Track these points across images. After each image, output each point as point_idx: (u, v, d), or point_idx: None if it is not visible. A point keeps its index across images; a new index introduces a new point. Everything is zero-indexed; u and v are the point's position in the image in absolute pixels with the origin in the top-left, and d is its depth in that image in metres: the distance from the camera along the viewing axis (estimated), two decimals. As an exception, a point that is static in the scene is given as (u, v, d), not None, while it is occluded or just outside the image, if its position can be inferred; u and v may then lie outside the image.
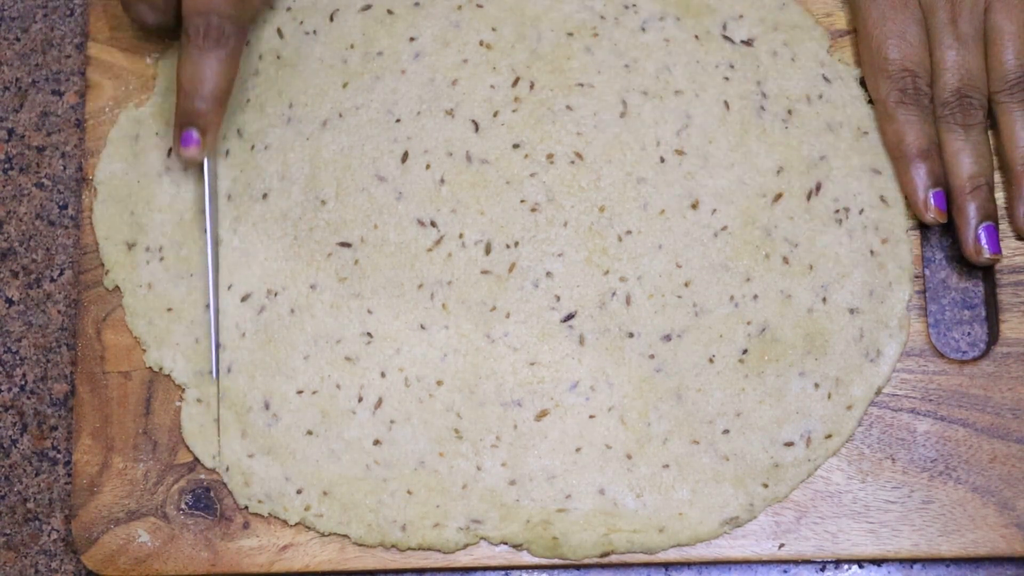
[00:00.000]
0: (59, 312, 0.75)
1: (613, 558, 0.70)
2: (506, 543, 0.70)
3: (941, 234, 0.74)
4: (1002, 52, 0.71)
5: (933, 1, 0.72)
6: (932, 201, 0.71)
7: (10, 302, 0.75)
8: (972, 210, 0.71)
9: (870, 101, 0.74)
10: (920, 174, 0.71)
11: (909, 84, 0.71)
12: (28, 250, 0.76)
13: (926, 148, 0.71)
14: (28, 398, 0.74)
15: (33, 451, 0.74)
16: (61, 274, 0.75)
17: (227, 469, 0.71)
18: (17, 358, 0.75)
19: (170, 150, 0.74)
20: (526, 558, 0.70)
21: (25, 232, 0.76)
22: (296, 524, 0.70)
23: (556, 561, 0.70)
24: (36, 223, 0.76)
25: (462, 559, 0.70)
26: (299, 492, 0.71)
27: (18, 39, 0.78)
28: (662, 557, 0.70)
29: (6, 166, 0.77)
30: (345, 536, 0.70)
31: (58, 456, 0.74)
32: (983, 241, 0.71)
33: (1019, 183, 0.72)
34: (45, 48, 0.78)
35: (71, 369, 0.74)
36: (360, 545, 0.70)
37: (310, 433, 0.71)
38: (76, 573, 0.73)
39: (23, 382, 0.74)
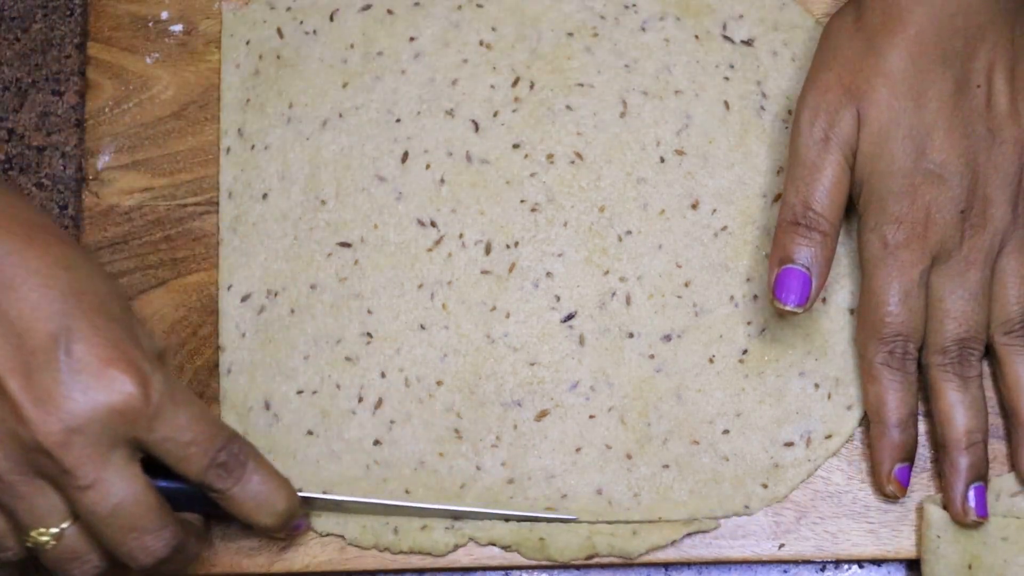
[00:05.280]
0: (59, 312, 0.75)
1: (613, 559, 0.70)
2: (494, 544, 0.70)
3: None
4: (1007, 294, 0.69)
5: (949, 252, 0.67)
6: (895, 475, 0.69)
7: (10, 302, 0.75)
8: (965, 467, 0.68)
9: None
10: (892, 445, 0.68)
11: (899, 348, 0.68)
12: (28, 250, 0.76)
13: (905, 419, 0.68)
14: (28, 398, 0.74)
15: (33, 451, 0.74)
16: (61, 274, 0.75)
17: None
18: (17, 358, 0.75)
19: None
20: (527, 559, 0.70)
21: (25, 232, 0.76)
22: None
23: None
24: (36, 223, 0.76)
25: (462, 559, 0.70)
26: (297, 491, 0.70)
27: (18, 39, 0.78)
28: (662, 557, 0.70)
29: (6, 166, 0.77)
30: (341, 536, 0.70)
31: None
32: (971, 502, 0.68)
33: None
34: (45, 48, 0.78)
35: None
36: (355, 546, 0.70)
37: (310, 433, 0.71)
38: (76, 573, 0.72)
39: (23, 382, 0.74)
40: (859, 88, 0.67)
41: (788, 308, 0.67)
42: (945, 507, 0.69)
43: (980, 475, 0.68)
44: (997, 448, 0.71)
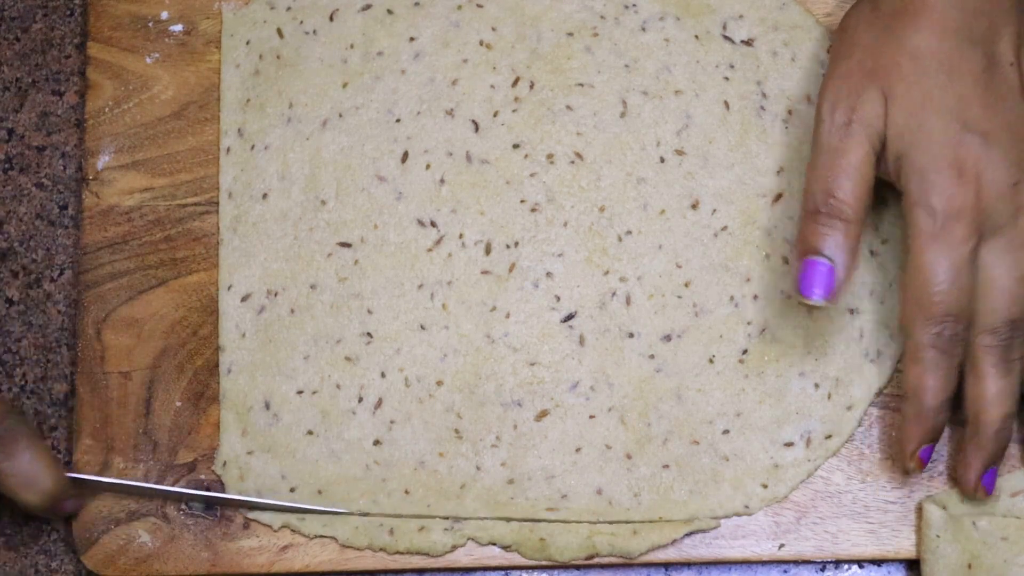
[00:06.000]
0: (59, 312, 0.75)
1: (614, 559, 0.70)
2: (495, 544, 0.70)
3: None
4: None
5: (1001, 227, 0.64)
6: (920, 454, 0.68)
7: (10, 302, 0.75)
8: (991, 451, 0.67)
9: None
10: (925, 427, 0.67)
11: (948, 329, 0.65)
12: (28, 250, 0.76)
13: (943, 403, 0.66)
14: (28, 398, 0.74)
15: (33, 451, 0.74)
16: (61, 274, 0.75)
17: (224, 464, 0.71)
18: (17, 358, 0.75)
19: None
20: (527, 559, 0.70)
21: (25, 232, 0.76)
22: (280, 528, 0.70)
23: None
24: (36, 223, 0.76)
25: (462, 559, 0.70)
26: (292, 490, 0.71)
27: (18, 39, 0.78)
28: (662, 557, 0.70)
29: (6, 166, 0.77)
30: (333, 538, 0.70)
31: (58, 456, 0.73)
32: (984, 482, 0.68)
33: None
34: (45, 48, 0.78)
35: (71, 369, 0.73)
36: (349, 547, 0.70)
37: (310, 433, 0.71)
38: (76, 573, 0.73)
39: (23, 382, 0.74)
40: (883, 68, 0.65)
41: (814, 302, 0.65)
42: (953, 479, 0.69)
43: (1000, 459, 0.68)
44: (997, 448, 0.71)
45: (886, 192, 0.72)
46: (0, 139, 0.77)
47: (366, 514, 0.70)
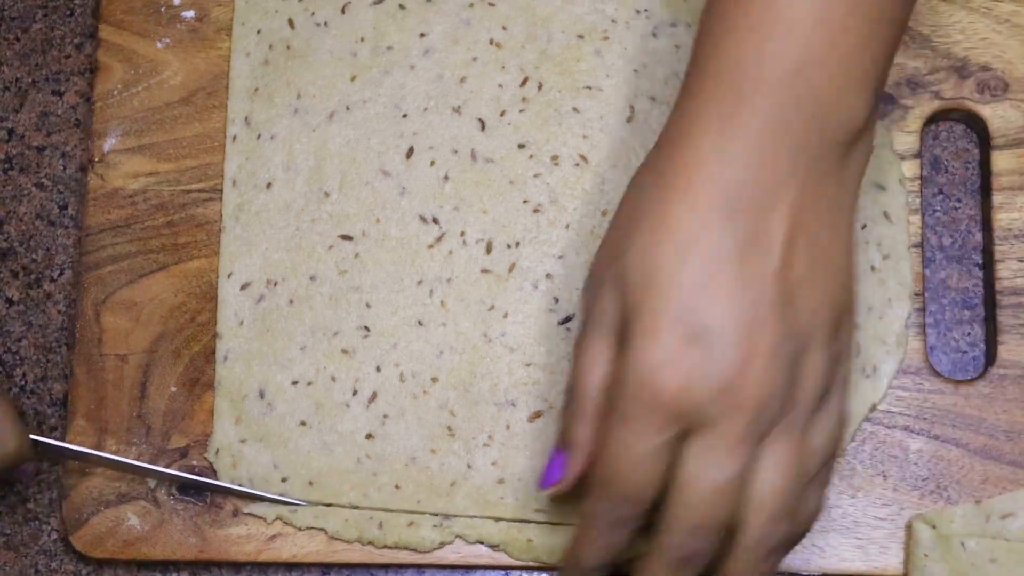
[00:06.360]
0: (59, 312, 0.75)
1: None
2: (483, 543, 0.70)
3: (941, 234, 0.74)
4: (754, 493, 0.59)
5: (704, 425, 0.57)
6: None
7: (10, 302, 0.75)
8: None
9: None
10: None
11: (624, 512, 0.60)
12: (28, 250, 0.76)
13: (598, 566, 0.62)
14: (28, 398, 0.74)
15: (33, 452, 0.74)
16: (61, 274, 0.76)
17: (217, 452, 0.71)
18: (17, 358, 0.75)
19: None
20: (514, 559, 0.70)
21: (25, 232, 0.76)
22: (274, 521, 0.71)
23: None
24: (36, 223, 0.76)
25: (449, 556, 0.71)
26: (284, 480, 0.71)
27: (18, 39, 0.78)
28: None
29: (6, 166, 0.77)
30: (323, 530, 0.71)
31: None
32: None
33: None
34: (45, 48, 0.78)
35: (71, 370, 0.73)
36: (337, 540, 0.70)
37: (303, 424, 0.71)
38: (76, 573, 0.73)
39: (23, 382, 0.75)
40: (622, 250, 0.59)
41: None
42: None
43: None
44: (990, 469, 0.70)
45: (890, 208, 0.72)
46: (0, 139, 0.77)
47: (355, 507, 0.70)
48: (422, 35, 0.75)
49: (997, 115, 0.73)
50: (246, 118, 0.75)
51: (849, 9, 0.57)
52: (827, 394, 0.60)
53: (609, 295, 0.60)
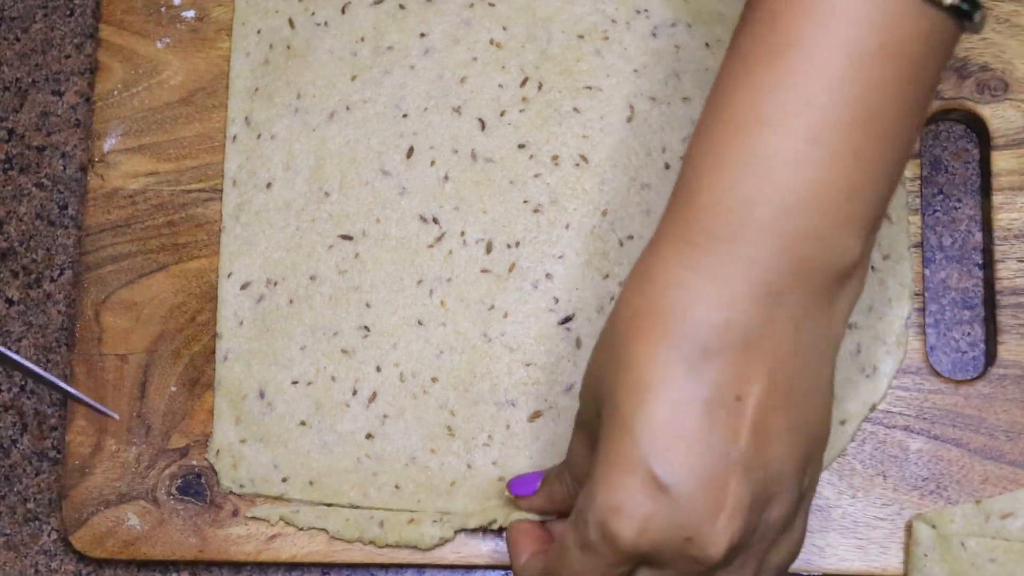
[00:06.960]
0: (59, 312, 0.75)
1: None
2: (485, 528, 0.70)
3: (941, 234, 0.74)
4: None
5: (656, 563, 0.56)
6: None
7: (10, 302, 0.75)
8: None
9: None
10: None
11: None
12: (28, 250, 0.76)
13: None
14: (28, 398, 0.74)
15: (33, 451, 0.74)
16: (61, 274, 0.76)
17: (217, 453, 0.71)
18: (17, 359, 0.75)
19: None
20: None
21: (25, 232, 0.76)
22: (277, 523, 0.71)
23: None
24: (36, 223, 0.76)
25: (448, 556, 0.71)
26: (284, 480, 0.71)
27: (18, 39, 0.78)
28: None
29: (6, 166, 0.77)
30: (323, 530, 0.71)
31: (58, 456, 0.74)
32: None
33: None
34: (45, 48, 0.78)
35: (71, 370, 0.73)
36: (338, 539, 0.71)
37: (303, 424, 0.71)
38: (76, 573, 0.73)
39: (23, 382, 0.75)
40: (597, 379, 0.57)
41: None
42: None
43: None
44: (990, 469, 0.70)
45: (891, 209, 0.72)
46: (0, 139, 0.77)
47: (355, 507, 0.71)
48: (422, 35, 0.75)
49: (997, 115, 0.73)
50: (246, 118, 0.75)
51: (834, 152, 0.53)
52: (790, 523, 0.57)
53: (591, 410, 0.58)
